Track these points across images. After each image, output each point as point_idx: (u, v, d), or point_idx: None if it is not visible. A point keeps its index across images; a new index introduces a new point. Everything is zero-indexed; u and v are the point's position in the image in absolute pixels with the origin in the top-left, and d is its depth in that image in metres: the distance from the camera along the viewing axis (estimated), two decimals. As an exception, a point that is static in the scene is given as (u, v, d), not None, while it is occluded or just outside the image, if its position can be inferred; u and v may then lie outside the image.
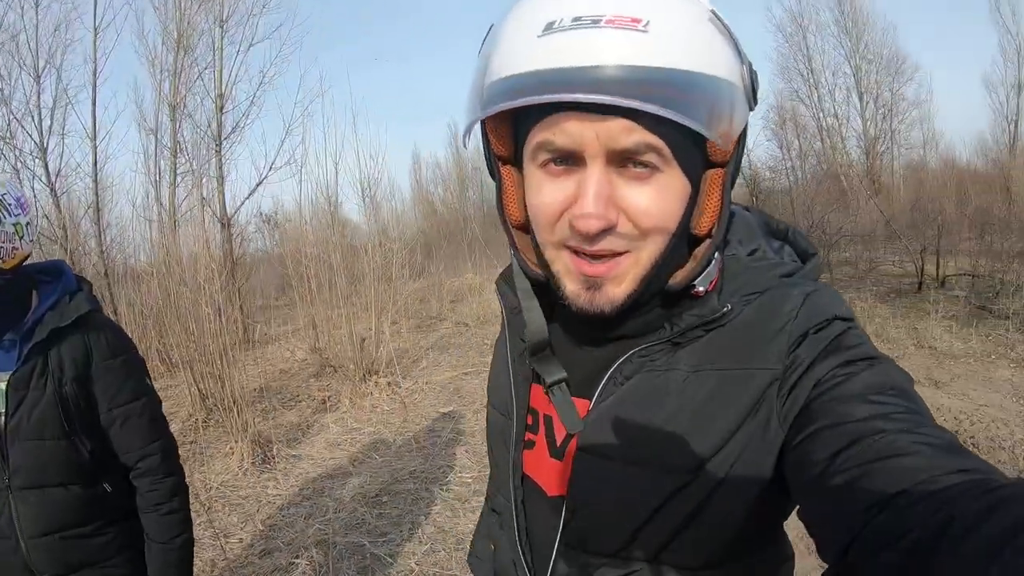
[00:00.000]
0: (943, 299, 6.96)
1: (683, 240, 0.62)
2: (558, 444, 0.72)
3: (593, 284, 0.60)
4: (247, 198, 8.07)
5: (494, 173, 0.68)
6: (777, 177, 17.72)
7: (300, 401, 6.15)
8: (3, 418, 1.34)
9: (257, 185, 8.51)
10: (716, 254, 0.63)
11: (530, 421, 0.75)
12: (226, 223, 8.25)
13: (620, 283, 0.60)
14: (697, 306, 0.63)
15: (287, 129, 9.97)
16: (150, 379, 1.56)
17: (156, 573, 1.49)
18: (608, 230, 0.56)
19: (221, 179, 9.37)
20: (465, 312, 10.24)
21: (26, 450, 1.34)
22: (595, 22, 0.50)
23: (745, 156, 0.66)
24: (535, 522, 0.75)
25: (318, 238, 6.61)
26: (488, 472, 0.93)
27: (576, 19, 0.50)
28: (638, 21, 0.50)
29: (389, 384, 6.15)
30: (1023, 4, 16.74)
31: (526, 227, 0.67)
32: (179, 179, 9.17)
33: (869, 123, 17.46)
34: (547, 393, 0.71)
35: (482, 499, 4.03)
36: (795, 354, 0.58)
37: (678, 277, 0.62)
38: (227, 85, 9.75)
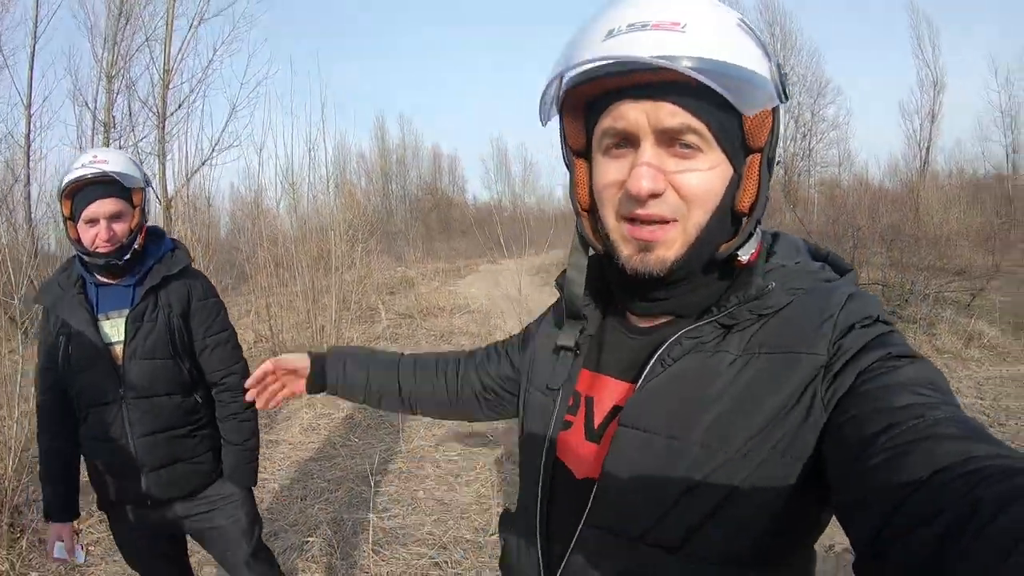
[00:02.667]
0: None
1: (727, 216, 0.68)
2: (596, 427, 0.75)
3: (645, 247, 0.68)
4: (188, 179, 7.57)
5: (569, 164, 0.78)
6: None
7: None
8: (122, 345, 1.73)
9: (201, 164, 8.04)
10: (757, 229, 0.69)
11: (571, 403, 0.80)
12: (166, 205, 7.74)
13: (670, 248, 0.67)
14: (743, 287, 0.68)
15: (233, 110, 9.52)
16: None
17: (231, 468, 1.90)
18: (656, 196, 0.65)
19: (163, 157, 8.80)
20: (405, 304, 10.19)
21: (141, 367, 1.74)
22: (644, 26, 0.61)
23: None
24: (559, 505, 0.78)
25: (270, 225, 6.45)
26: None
27: (630, 25, 0.62)
28: (677, 24, 0.61)
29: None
30: (943, 41, 18.34)
31: (591, 211, 0.76)
32: None
33: (790, 141, 18.40)
34: (555, 352, 0.84)
35: (472, 474, 4.16)
36: (841, 343, 0.61)
37: (723, 247, 0.68)
38: (175, 60, 9.16)
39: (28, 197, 7.91)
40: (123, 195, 1.71)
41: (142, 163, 1.94)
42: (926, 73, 19.44)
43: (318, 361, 1.14)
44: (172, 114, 9.18)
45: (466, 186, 42.41)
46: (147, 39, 9.11)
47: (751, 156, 0.68)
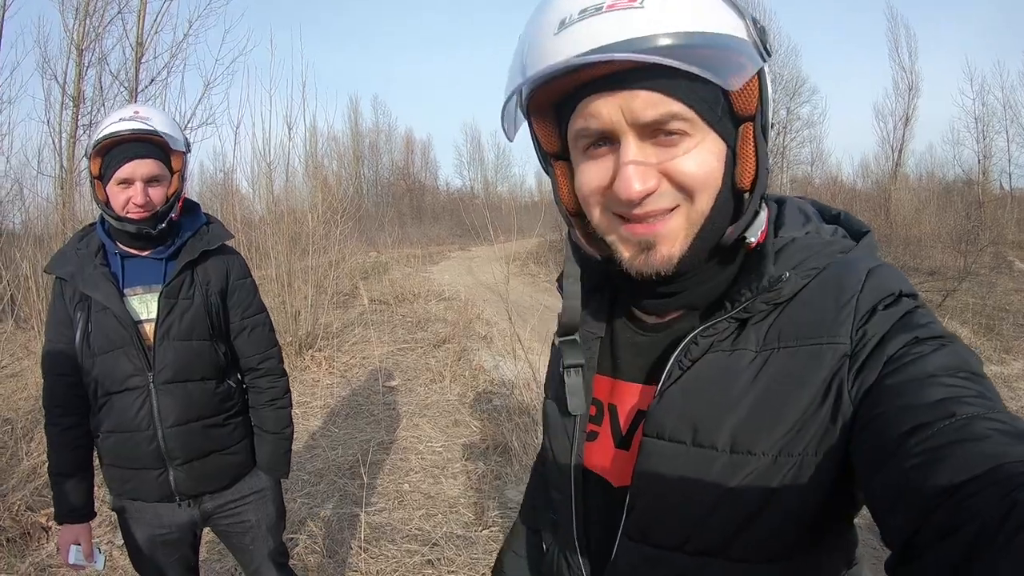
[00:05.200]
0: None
1: (730, 197, 0.63)
2: (623, 433, 0.72)
3: (647, 245, 0.62)
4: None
5: (547, 169, 0.72)
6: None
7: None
8: (153, 324, 1.57)
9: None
10: (763, 204, 0.65)
11: (593, 412, 0.76)
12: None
13: (673, 242, 0.62)
14: (755, 278, 0.64)
15: (207, 86, 9.11)
16: None
17: (266, 458, 1.77)
18: (650, 194, 0.59)
19: (133, 133, 8.13)
20: (380, 290, 10.00)
21: (175, 349, 1.58)
22: (598, 9, 0.55)
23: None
24: (595, 517, 0.75)
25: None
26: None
27: (582, 11, 0.56)
28: (634, 0, 0.55)
29: (327, 359, 5.93)
30: (920, 46, 18.64)
31: (583, 214, 0.69)
32: (81, 131, 7.99)
33: None
34: (563, 372, 0.75)
35: (460, 465, 4.11)
36: (864, 329, 0.58)
37: (730, 230, 0.63)
38: (148, 34, 8.67)
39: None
40: (163, 157, 1.54)
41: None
42: (901, 76, 19.72)
43: None
44: (144, 89, 8.71)
45: (439, 172, 42.03)
46: (120, 11, 8.62)
47: (743, 126, 0.62)
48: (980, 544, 0.39)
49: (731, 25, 0.57)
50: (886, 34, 20.23)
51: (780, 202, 0.73)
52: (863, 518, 0.64)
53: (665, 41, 0.53)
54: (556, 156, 0.70)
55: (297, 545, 2.93)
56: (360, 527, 2.98)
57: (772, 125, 0.65)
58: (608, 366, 0.76)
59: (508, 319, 5.12)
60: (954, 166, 19.39)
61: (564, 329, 0.75)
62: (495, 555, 0.92)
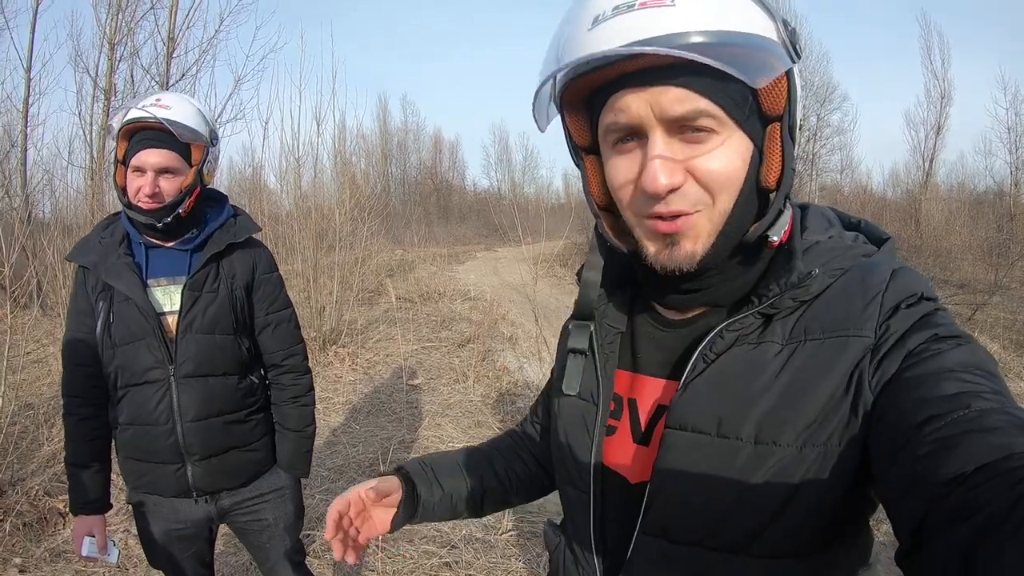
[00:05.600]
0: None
1: (753, 195, 0.64)
2: (643, 428, 0.72)
3: (671, 241, 0.63)
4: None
5: (578, 163, 0.73)
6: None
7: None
8: (176, 315, 1.54)
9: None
10: (787, 204, 0.66)
11: (612, 407, 0.75)
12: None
13: (696, 239, 0.63)
14: (784, 273, 0.64)
15: (237, 83, 9.25)
16: None
17: (288, 455, 1.73)
18: (675, 190, 0.60)
19: (163, 128, 8.32)
20: (405, 288, 10.01)
21: (198, 343, 1.54)
22: (630, 7, 0.57)
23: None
24: (612, 512, 0.74)
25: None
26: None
27: (615, 8, 0.57)
28: None
29: (350, 355, 5.93)
30: (953, 55, 18.19)
31: (611, 209, 0.71)
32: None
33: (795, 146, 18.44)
34: (581, 353, 0.77)
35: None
36: (887, 324, 0.59)
37: (752, 228, 0.64)
38: (179, 29, 8.80)
39: (24, 163, 7.59)
40: (179, 149, 1.50)
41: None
42: (934, 84, 19.23)
43: (407, 479, 0.93)
44: (175, 83, 8.82)
45: (466, 173, 42.21)
46: (152, 6, 8.75)
47: (771, 126, 0.63)
48: (988, 531, 0.40)
49: (761, 25, 0.59)
50: (919, 40, 19.66)
51: (804, 208, 0.74)
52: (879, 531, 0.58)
53: (696, 39, 0.55)
54: (587, 150, 0.71)
55: (315, 542, 2.90)
56: (378, 526, 2.93)
57: (801, 127, 0.66)
58: (628, 361, 0.76)
59: (535, 320, 5.05)
60: (985, 177, 18.87)
61: (579, 314, 0.78)
62: (514, 560, 0.85)
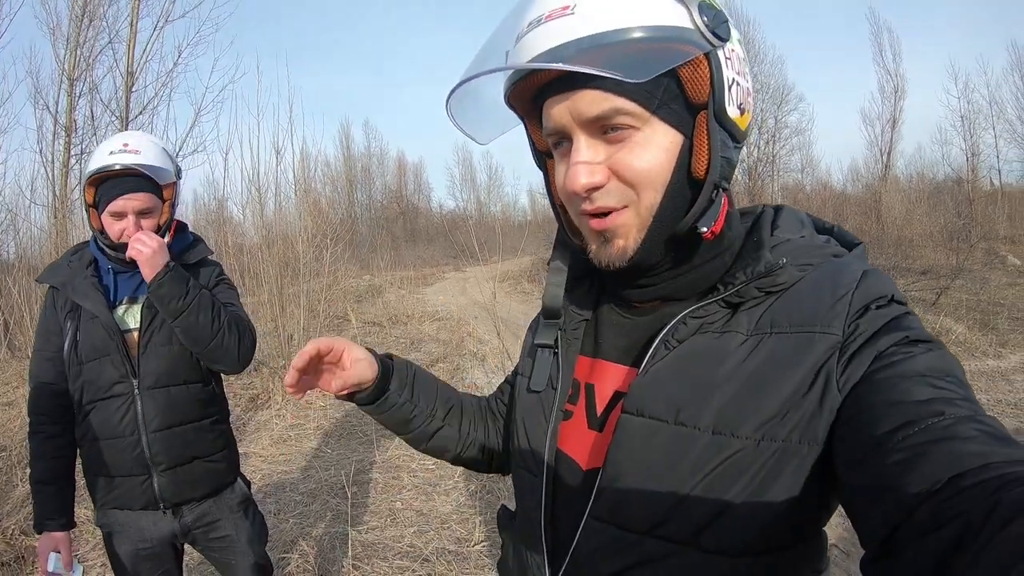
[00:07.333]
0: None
1: (685, 187, 0.63)
2: (599, 414, 0.72)
3: (604, 239, 0.66)
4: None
5: (540, 166, 0.76)
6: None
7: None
8: (137, 332, 1.63)
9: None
10: (718, 193, 0.64)
11: (570, 392, 0.76)
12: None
13: (627, 236, 0.64)
14: (751, 263, 0.64)
15: (197, 114, 9.27)
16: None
17: (177, 277, 1.61)
18: (598, 188, 0.62)
19: (124, 163, 8.18)
20: (374, 312, 10.02)
21: (159, 355, 1.63)
22: (539, 21, 0.59)
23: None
24: (563, 497, 0.74)
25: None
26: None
27: (530, 23, 0.60)
28: (567, 8, 0.58)
29: (320, 381, 5.92)
30: (904, 48, 18.70)
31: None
32: (74, 161, 8.06)
33: (753, 147, 18.48)
34: (547, 350, 0.79)
35: (452, 482, 4.07)
36: (856, 323, 0.58)
37: (680, 221, 0.64)
38: (138, 63, 8.79)
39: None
40: (153, 189, 1.59)
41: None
42: (887, 79, 19.98)
43: (385, 361, 0.91)
44: (135, 118, 8.82)
45: (431, 195, 42.25)
46: (110, 40, 8.77)
47: (699, 115, 0.62)
48: (963, 542, 0.39)
49: (667, 15, 0.58)
50: (870, 38, 20.46)
51: (778, 209, 0.75)
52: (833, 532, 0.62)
53: (569, 50, 0.57)
54: (548, 154, 0.74)
55: (289, 564, 2.92)
56: (349, 544, 2.97)
57: (745, 111, 0.65)
58: (590, 347, 0.77)
59: (497, 335, 5.14)
60: (943, 165, 19.52)
61: (547, 312, 0.80)
62: (487, 571, 0.89)
